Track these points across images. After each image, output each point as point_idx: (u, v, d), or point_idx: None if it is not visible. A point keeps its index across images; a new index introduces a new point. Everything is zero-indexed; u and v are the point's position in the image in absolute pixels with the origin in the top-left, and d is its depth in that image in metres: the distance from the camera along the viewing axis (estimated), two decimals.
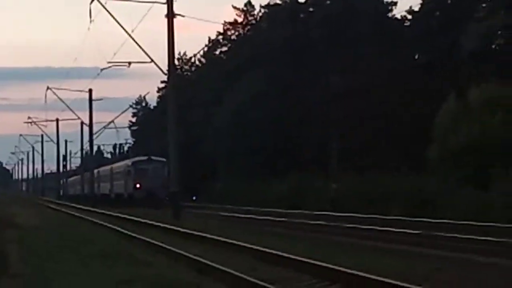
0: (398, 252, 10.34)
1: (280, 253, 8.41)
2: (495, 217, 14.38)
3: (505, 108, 19.42)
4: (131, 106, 52.35)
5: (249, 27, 40.51)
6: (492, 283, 6.49)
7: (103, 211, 28.13)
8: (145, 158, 34.79)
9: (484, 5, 27.78)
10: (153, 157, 33.75)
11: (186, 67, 47.86)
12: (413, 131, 28.22)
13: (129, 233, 14.86)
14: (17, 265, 8.72)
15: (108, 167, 44.80)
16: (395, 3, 32.41)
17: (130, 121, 56.00)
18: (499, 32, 26.23)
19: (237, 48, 39.66)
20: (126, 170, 35.60)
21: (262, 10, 38.50)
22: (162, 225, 17.15)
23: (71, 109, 41.99)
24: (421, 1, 29.31)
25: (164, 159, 30.36)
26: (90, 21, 21.83)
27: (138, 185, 32.73)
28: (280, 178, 30.15)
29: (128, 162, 37.39)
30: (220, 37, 42.17)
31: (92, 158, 45.47)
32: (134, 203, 31.13)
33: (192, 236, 13.39)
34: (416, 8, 30.32)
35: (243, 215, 23.63)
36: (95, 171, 43.25)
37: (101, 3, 19.48)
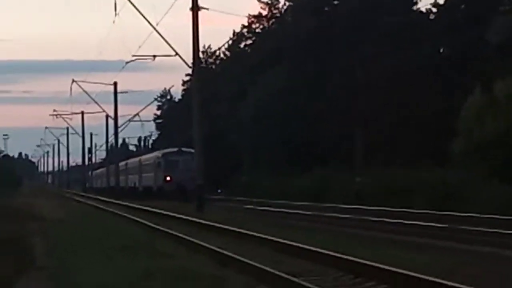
0: (423, 245, 10.20)
1: (301, 245, 8.39)
2: None
3: None
4: (155, 99, 53.38)
5: (273, 20, 40.33)
6: None
7: (127, 203, 28.63)
8: (175, 149, 33.53)
9: None
10: (183, 149, 32.47)
11: (211, 60, 47.24)
12: (437, 125, 27.81)
13: (153, 225, 15.16)
14: (43, 258, 8.97)
15: (136, 159, 43.49)
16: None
17: (155, 114, 56.93)
18: None
19: (262, 41, 39.49)
20: (156, 162, 34.15)
21: (287, 3, 38.45)
22: (185, 217, 17.48)
23: (96, 102, 42.57)
24: None
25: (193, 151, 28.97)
26: (115, 14, 22.15)
27: (168, 178, 31.66)
28: (305, 172, 30.18)
29: (158, 153, 35.88)
30: (245, 30, 42.01)
31: (117, 151, 46.30)
32: (163, 196, 30.38)
33: (215, 228, 13.55)
34: (441, 1, 29.66)
35: (267, 208, 23.65)
36: (123, 163, 44.15)
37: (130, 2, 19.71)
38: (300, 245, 8.38)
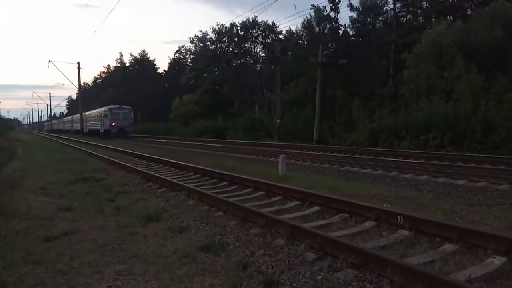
0: None
1: (126, 149, 20.87)
2: None
3: None
4: (66, 99, 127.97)
5: (109, 72, 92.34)
6: None
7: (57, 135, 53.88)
8: (117, 106, 45.87)
9: None
10: (123, 105, 45.44)
11: (86, 86, 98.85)
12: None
13: (64, 142, 27.79)
14: (20, 155, 20.98)
15: (77, 115, 60.54)
16: (158, 68, 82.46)
17: (66, 104, 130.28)
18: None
19: (104, 80, 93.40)
20: (104, 113, 45.59)
21: (112, 67, 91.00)
22: (81, 140, 30.35)
23: (44, 101, 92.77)
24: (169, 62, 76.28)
25: (130, 107, 45.65)
26: (48, 66, 79.16)
27: (113, 124, 43.16)
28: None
29: (105, 108, 46.55)
30: (99, 75, 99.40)
31: (51, 117, 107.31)
32: (108, 136, 42.11)
33: (101, 146, 26.32)
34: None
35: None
36: (67, 118, 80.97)
37: (54, 64, 64.68)
38: (127, 150, 20.76)
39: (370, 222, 6.28)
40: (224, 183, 10.47)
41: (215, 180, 10.93)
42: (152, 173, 12.00)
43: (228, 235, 5.98)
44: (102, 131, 45.83)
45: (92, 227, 6.69)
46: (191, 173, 12.25)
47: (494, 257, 4.69)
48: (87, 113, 56.25)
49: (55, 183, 11.61)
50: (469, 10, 32.60)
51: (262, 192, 8.97)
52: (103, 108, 47.55)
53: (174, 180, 10.35)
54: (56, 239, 6.03)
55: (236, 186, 9.94)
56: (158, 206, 8.04)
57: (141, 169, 12.91)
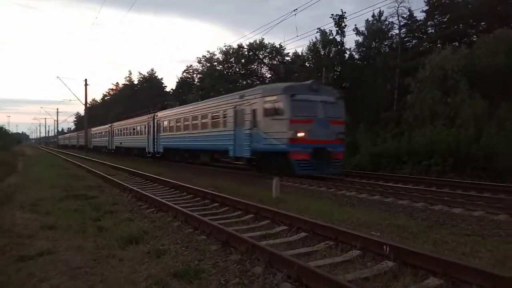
0: None
1: (127, 167, 20.81)
2: None
3: None
4: (74, 114, 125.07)
5: (117, 90, 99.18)
6: None
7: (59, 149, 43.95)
8: (307, 82, 18.47)
9: None
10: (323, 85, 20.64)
11: (94, 102, 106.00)
12: None
13: (65, 157, 27.62)
14: (20, 169, 20.99)
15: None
16: (166, 86, 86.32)
17: (74, 120, 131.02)
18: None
19: (112, 98, 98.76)
20: (260, 104, 17.92)
21: (121, 85, 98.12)
22: (79, 155, 30.02)
23: (51, 115, 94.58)
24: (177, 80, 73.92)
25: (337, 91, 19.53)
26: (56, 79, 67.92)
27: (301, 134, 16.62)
28: None
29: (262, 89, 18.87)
30: (107, 92, 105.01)
31: (59, 133, 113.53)
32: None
33: (97, 161, 26.14)
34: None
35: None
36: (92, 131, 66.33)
37: (61, 80, 67.97)
38: (122, 166, 20.73)
39: (355, 251, 6.05)
40: (215, 204, 10.28)
41: (207, 201, 10.74)
42: (144, 192, 11.83)
43: (206, 261, 5.77)
44: (247, 155, 18.91)
45: (70, 247, 6.51)
46: (184, 193, 12.08)
47: None
48: (158, 113, 30.76)
49: (46, 199, 11.48)
50: (474, 36, 32.60)
51: (251, 215, 8.77)
52: (254, 91, 19.48)
53: (164, 201, 10.18)
54: (30, 259, 5.86)
55: (227, 208, 9.75)
56: (142, 227, 7.84)
57: (134, 188, 12.75)
